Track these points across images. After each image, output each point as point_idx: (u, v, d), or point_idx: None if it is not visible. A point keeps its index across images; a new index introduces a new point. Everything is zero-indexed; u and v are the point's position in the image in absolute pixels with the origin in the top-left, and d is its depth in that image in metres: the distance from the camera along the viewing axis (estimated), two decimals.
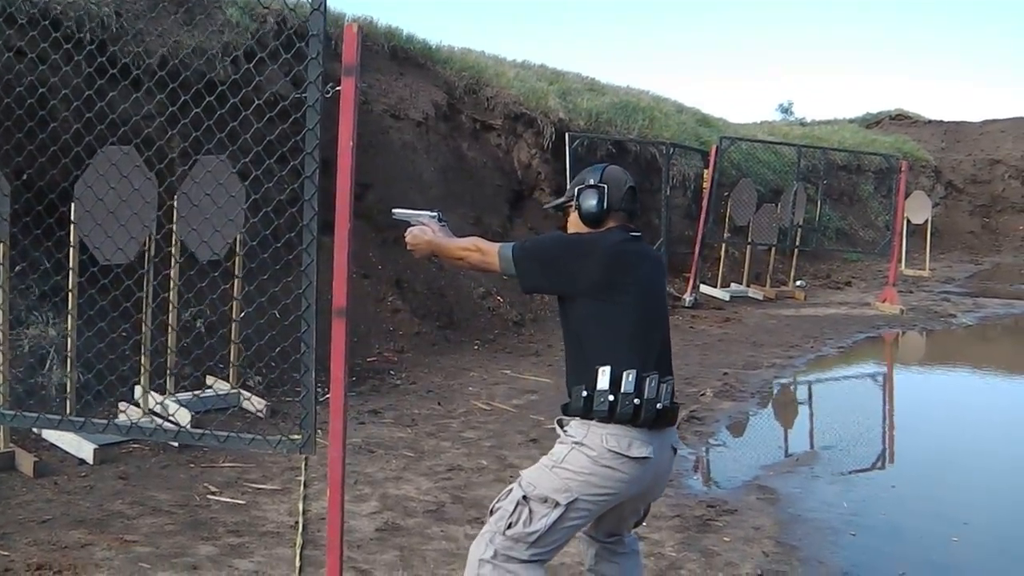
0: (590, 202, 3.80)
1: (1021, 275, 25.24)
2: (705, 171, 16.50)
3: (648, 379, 3.54)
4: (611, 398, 3.50)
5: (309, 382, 3.77)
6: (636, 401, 3.49)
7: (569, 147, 14.69)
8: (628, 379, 3.51)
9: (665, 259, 14.08)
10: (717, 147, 16.38)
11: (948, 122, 38.98)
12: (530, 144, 16.28)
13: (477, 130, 15.88)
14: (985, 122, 38.39)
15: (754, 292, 16.99)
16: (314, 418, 3.91)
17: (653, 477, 3.64)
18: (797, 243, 17.96)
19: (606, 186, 3.80)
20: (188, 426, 7.03)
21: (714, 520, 6.05)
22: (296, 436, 3.91)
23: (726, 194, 17.36)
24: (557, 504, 3.52)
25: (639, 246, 3.81)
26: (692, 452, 7.72)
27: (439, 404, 8.83)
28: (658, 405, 3.55)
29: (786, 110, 50.97)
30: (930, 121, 39.24)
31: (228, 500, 5.98)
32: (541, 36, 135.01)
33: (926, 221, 23.64)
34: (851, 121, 39.06)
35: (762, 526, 5.98)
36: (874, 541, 5.76)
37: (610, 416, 3.50)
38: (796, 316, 15.08)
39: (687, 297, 15.26)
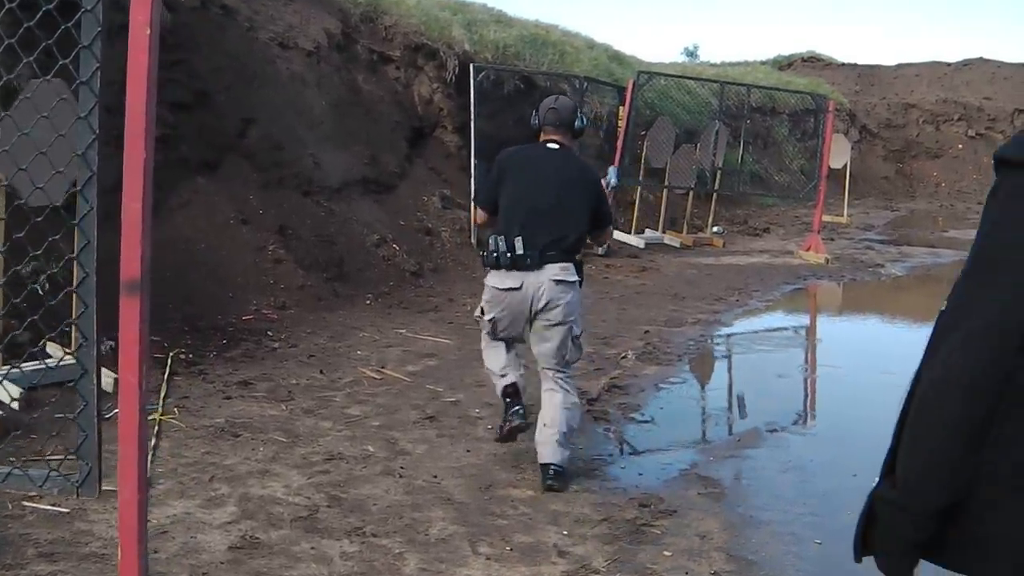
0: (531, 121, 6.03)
1: (936, 222, 24.75)
2: (620, 108, 15.39)
3: (516, 241, 5.41)
4: (492, 254, 5.53)
5: (88, 390, 2.51)
6: (506, 255, 5.43)
7: (474, 80, 13.48)
8: (499, 242, 5.49)
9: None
10: (634, 82, 15.30)
11: (862, 65, 38.55)
12: (432, 78, 15.04)
13: (374, 62, 14.57)
14: (900, 66, 38.01)
15: (670, 239, 16.05)
16: (97, 443, 2.60)
17: (527, 299, 5.45)
18: (717, 187, 16.96)
19: (536, 109, 5.98)
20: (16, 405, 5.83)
21: (650, 526, 4.97)
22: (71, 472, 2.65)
23: (642, 133, 16.33)
24: (483, 314, 5.77)
25: (541, 151, 5.80)
26: (615, 431, 6.65)
27: (322, 372, 7.65)
28: (518, 254, 5.40)
29: (691, 54, 50.34)
30: (843, 64, 38.79)
31: (47, 508, 4.76)
32: None
33: (845, 166, 22.86)
34: (762, 63, 38.37)
35: (709, 533, 4.93)
36: (844, 550, 4.74)
37: (490, 265, 5.56)
38: (717, 265, 14.15)
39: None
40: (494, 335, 5.76)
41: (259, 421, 6.35)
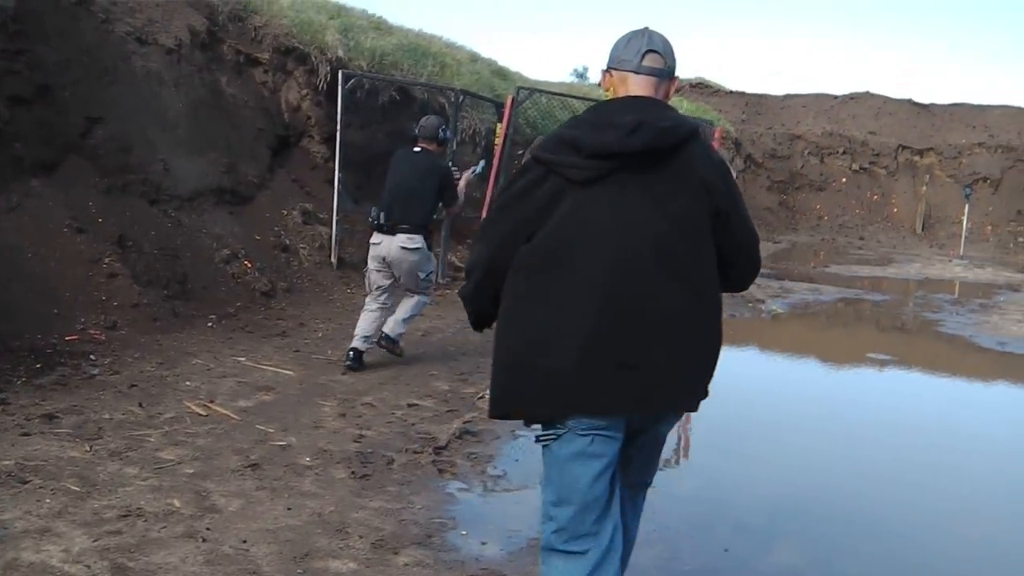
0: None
1: (818, 256, 24.75)
2: (498, 125, 14.80)
3: (380, 214, 8.28)
4: (370, 220, 8.46)
5: None
6: (375, 221, 8.34)
7: (342, 88, 12.74)
8: (376, 212, 8.39)
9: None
10: (513, 98, 14.73)
11: (750, 94, 38.69)
12: (301, 84, 14.30)
13: (241, 64, 13.79)
14: (787, 96, 38.25)
15: None
16: None
17: (387, 255, 8.36)
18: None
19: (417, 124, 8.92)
20: None
21: None
22: None
23: (520, 152, 15.77)
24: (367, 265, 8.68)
25: (407, 154, 8.61)
26: (461, 487, 5.99)
27: (141, 406, 6.87)
28: (380, 223, 8.29)
29: (581, 75, 50.16)
30: (731, 92, 38.84)
31: None
32: None
33: None
34: None
35: None
36: None
37: (371, 227, 8.51)
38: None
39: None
40: (369, 289, 8.73)
41: (55, 464, 5.57)
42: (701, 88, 39.24)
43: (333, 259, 12.23)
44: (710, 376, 3.48)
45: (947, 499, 6.48)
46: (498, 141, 14.60)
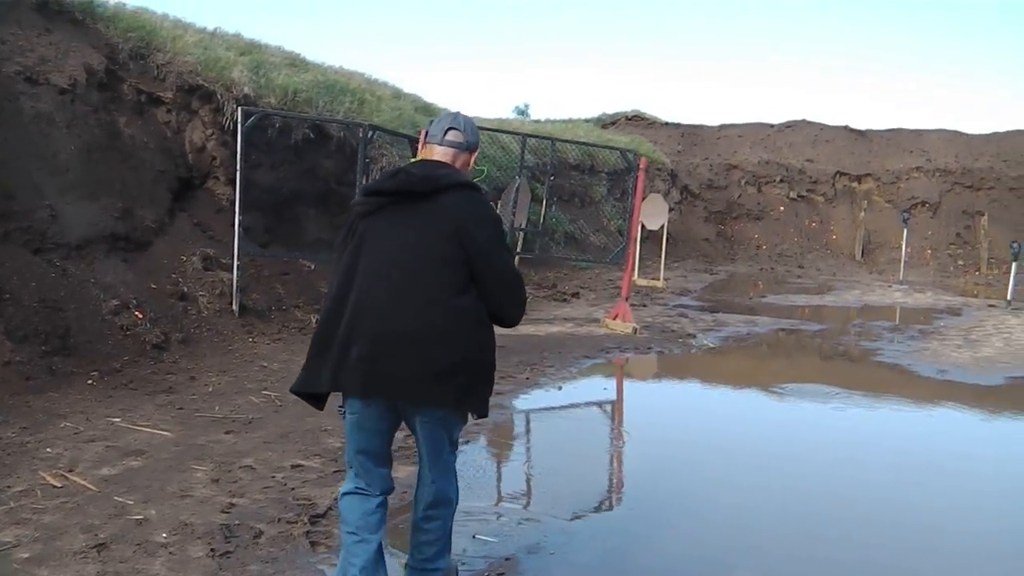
0: None
1: (756, 286, 24.40)
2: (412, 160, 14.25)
3: None
4: None
5: None
6: None
7: (242, 125, 12.11)
8: None
9: None
10: (426, 131, 14.14)
11: (685, 125, 38.51)
12: (207, 123, 13.71)
13: (142, 103, 13.17)
14: (722, 126, 38.10)
15: None
16: None
17: None
18: (518, 249, 15.93)
19: None
20: None
21: None
22: None
23: None
24: None
25: None
26: (336, 565, 5.36)
27: None
28: None
29: (523, 112, 49.99)
30: (667, 123, 38.71)
31: None
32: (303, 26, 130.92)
33: (662, 227, 22.22)
34: (586, 121, 37.99)
35: None
36: None
37: None
38: (513, 336, 12.97)
39: None
40: None
41: None
42: (637, 121, 39.04)
43: (234, 306, 11.58)
44: (457, 379, 4.16)
45: (892, 538, 5.96)
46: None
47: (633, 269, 15.17)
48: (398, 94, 20.68)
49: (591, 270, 21.74)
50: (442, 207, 4.22)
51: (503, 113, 57.89)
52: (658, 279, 21.46)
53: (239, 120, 12.17)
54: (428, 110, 21.23)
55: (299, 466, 6.93)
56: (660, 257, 22.46)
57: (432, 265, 4.14)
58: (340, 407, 4.38)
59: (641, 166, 15.03)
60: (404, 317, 4.10)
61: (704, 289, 22.28)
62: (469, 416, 4.40)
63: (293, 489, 6.42)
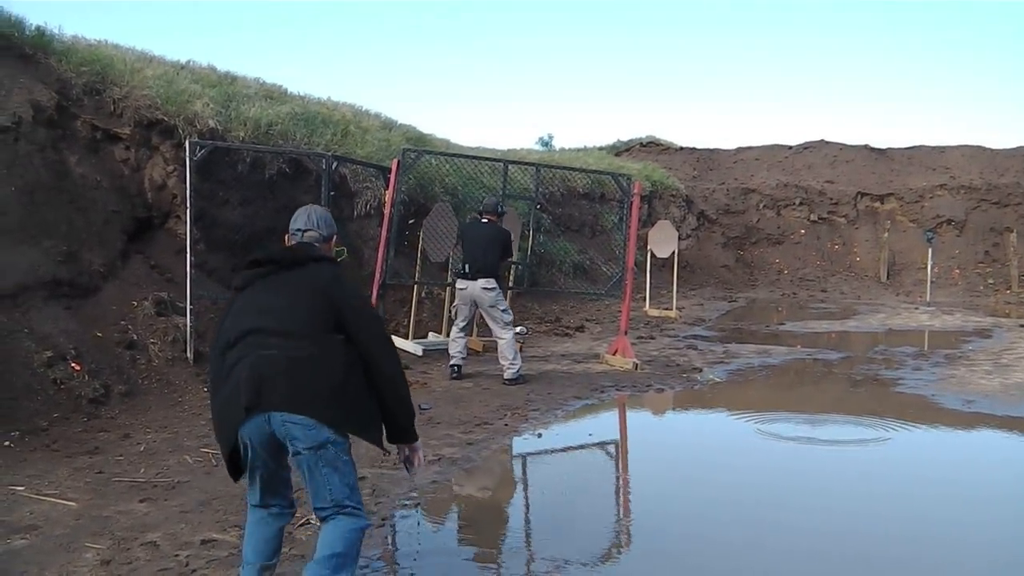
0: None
1: (778, 312, 23.39)
2: (386, 192, 13.37)
3: (466, 266, 12.00)
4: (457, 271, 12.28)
5: None
6: (463, 270, 11.93)
7: (190, 158, 11.21)
8: (463, 265, 11.99)
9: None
10: (399, 161, 13.24)
11: (701, 149, 37.69)
12: (168, 159, 12.89)
13: (97, 140, 12.35)
14: (739, 150, 37.27)
15: None
16: None
17: (468, 296, 11.92)
18: (511, 283, 14.96)
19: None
20: None
21: None
22: None
23: (410, 222, 14.54)
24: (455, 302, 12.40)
25: (477, 225, 12.33)
26: None
27: None
28: (465, 271, 11.91)
29: (546, 143, 49.56)
30: (682, 148, 37.86)
31: None
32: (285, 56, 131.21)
33: (673, 254, 21.28)
34: (600, 149, 37.20)
35: None
36: None
37: (457, 274, 12.23)
38: (500, 376, 12.05)
39: None
40: (454, 316, 12.31)
41: None
42: (651, 147, 38.22)
43: (189, 354, 10.66)
44: (320, 408, 4.49)
45: None
46: (385, 210, 13.14)
47: (630, 299, 14.12)
48: (388, 125, 19.89)
49: (601, 301, 20.75)
50: (305, 276, 4.74)
51: (528, 143, 57.41)
52: (671, 309, 20.56)
53: (187, 153, 11.27)
54: (422, 141, 20.50)
55: (211, 541, 5.94)
56: (673, 285, 21.51)
57: (303, 325, 4.62)
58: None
59: (635, 191, 14.05)
60: (284, 372, 4.52)
61: (720, 318, 21.26)
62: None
63: (194, 571, 5.45)
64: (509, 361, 11.91)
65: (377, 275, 13.00)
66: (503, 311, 11.99)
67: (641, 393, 11.82)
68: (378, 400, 4.68)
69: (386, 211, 13.09)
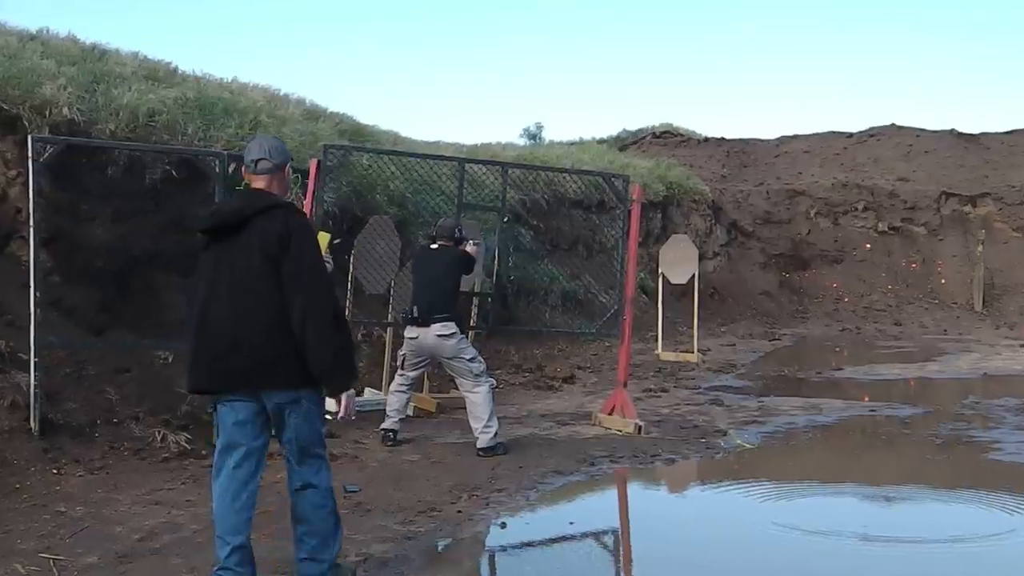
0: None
1: (835, 353, 23.37)
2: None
3: (414, 308, 12.00)
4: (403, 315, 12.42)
5: None
6: (411, 314, 12.02)
7: (33, 161, 10.88)
8: (411, 308, 12.08)
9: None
10: (319, 161, 13.14)
11: (732, 140, 37.94)
12: (10, 161, 12.78)
13: None
14: (782, 140, 37.50)
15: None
16: None
17: (422, 346, 11.96)
18: (472, 322, 14.89)
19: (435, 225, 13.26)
20: None
21: None
22: None
23: (337, 241, 14.42)
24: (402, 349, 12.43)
25: (427, 252, 12.59)
26: None
27: None
28: (414, 315, 11.90)
29: (533, 136, 49.86)
30: (707, 139, 38.03)
31: None
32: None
33: (693, 279, 21.20)
34: (601, 142, 37.33)
35: None
36: None
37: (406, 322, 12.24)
38: (458, 445, 12.00)
39: None
40: (401, 365, 12.39)
41: None
42: (666, 138, 38.42)
43: (33, 423, 10.50)
44: (268, 364, 6.49)
45: None
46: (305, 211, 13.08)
47: (629, 340, 13.99)
48: (314, 113, 20.01)
49: (600, 343, 20.71)
50: (255, 232, 6.50)
51: (510, 136, 57.63)
52: (691, 351, 20.50)
53: (29, 154, 11.13)
54: (360, 134, 20.69)
55: None
56: (693, 320, 21.44)
57: (254, 285, 6.49)
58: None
59: (634, 197, 13.98)
60: (240, 328, 6.49)
61: (756, 362, 21.30)
62: None
63: None
64: (483, 423, 11.79)
65: None
66: (470, 360, 11.94)
67: (644, 466, 11.68)
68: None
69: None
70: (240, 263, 6.49)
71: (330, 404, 7.32)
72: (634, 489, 11.25)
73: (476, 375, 11.87)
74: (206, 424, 11.16)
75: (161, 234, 13.38)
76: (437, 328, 11.78)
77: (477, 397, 11.84)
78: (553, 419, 14.05)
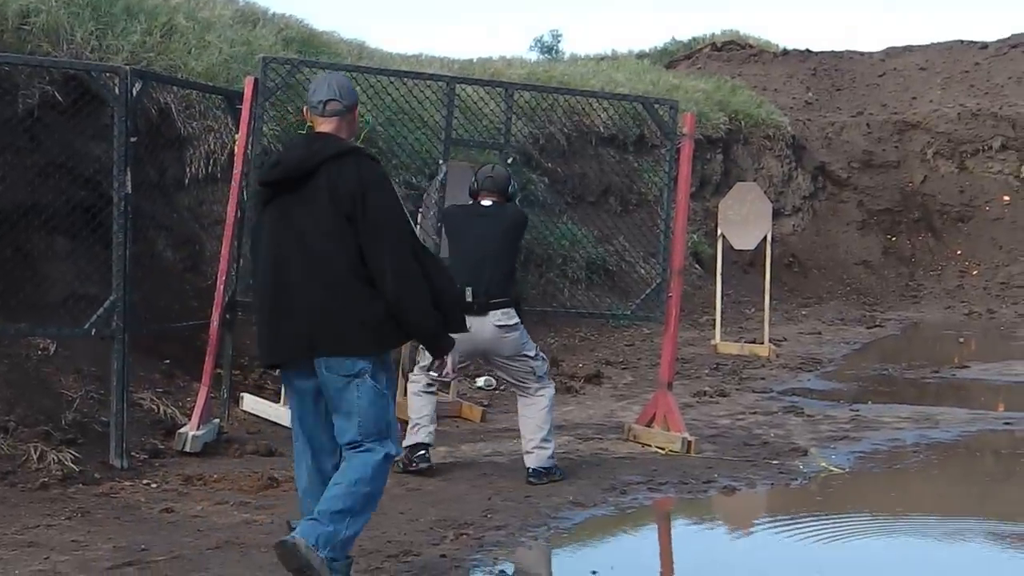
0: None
1: (959, 345, 23.48)
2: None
3: (467, 289, 10.96)
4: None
5: None
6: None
7: None
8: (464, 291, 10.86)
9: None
10: (256, 81, 13.24)
11: (820, 54, 38.02)
12: None
13: None
14: (888, 52, 37.44)
15: None
16: None
17: (475, 342, 10.94)
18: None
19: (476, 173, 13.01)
20: None
21: None
22: None
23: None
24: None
25: (476, 210, 12.39)
26: None
27: None
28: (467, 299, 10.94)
29: (549, 48, 50.28)
30: (786, 52, 38.13)
31: None
32: None
33: (763, 244, 21.26)
34: (641, 57, 37.51)
35: None
36: None
37: None
38: (445, 465, 12.27)
39: (191, 432, 11.97)
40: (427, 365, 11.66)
41: None
42: (730, 51, 38.51)
43: None
44: (341, 331, 7.51)
45: None
46: (235, 168, 13.17)
47: (676, 326, 14.08)
48: (250, 16, 20.35)
49: (635, 328, 20.89)
50: (325, 182, 7.41)
51: (519, 50, 57.94)
52: (761, 342, 20.61)
53: None
54: (311, 44, 20.98)
55: None
56: (764, 300, 21.53)
57: (327, 242, 7.48)
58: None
59: (685, 130, 14.08)
60: (313, 292, 7.49)
61: (850, 356, 21.42)
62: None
63: None
64: (542, 436, 11.78)
65: (219, 286, 12.94)
66: (534, 357, 11.88)
67: (694, 496, 11.81)
68: None
69: (236, 169, 13.10)
70: (309, 217, 7.45)
71: None
72: (680, 528, 11.40)
73: (540, 376, 11.84)
74: (98, 438, 11.26)
75: (40, 180, 13.48)
76: (497, 317, 11.41)
77: (541, 402, 11.81)
78: (572, 432, 14.25)
